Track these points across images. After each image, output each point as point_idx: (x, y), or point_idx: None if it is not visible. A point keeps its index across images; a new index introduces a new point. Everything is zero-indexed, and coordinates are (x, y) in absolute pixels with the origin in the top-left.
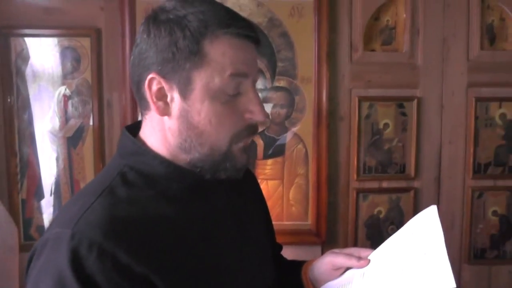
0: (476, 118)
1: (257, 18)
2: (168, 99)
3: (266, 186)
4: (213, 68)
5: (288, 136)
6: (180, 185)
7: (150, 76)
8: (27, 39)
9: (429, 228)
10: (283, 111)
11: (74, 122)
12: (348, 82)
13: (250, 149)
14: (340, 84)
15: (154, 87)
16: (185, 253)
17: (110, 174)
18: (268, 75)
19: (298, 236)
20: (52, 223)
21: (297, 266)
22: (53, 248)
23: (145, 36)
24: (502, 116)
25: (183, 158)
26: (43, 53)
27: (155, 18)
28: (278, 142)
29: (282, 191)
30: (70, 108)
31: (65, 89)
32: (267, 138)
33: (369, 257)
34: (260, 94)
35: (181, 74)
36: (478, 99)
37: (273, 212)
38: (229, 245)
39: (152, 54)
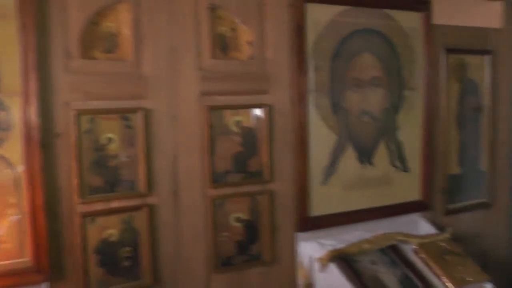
0: (211, 126)
1: None
2: None
3: None
4: None
5: None
6: None
7: None
8: None
9: None
10: None
11: None
12: (65, 94)
13: None
14: (54, 96)
15: None
16: None
17: None
18: None
19: (16, 277)
20: None
21: None
22: None
23: None
24: (238, 123)
25: None
26: None
27: None
28: None
29: None
30: None
31: None
32: None
33: None
34: None
35: None
36: (212, 108)
37: None
38: None
39: None
